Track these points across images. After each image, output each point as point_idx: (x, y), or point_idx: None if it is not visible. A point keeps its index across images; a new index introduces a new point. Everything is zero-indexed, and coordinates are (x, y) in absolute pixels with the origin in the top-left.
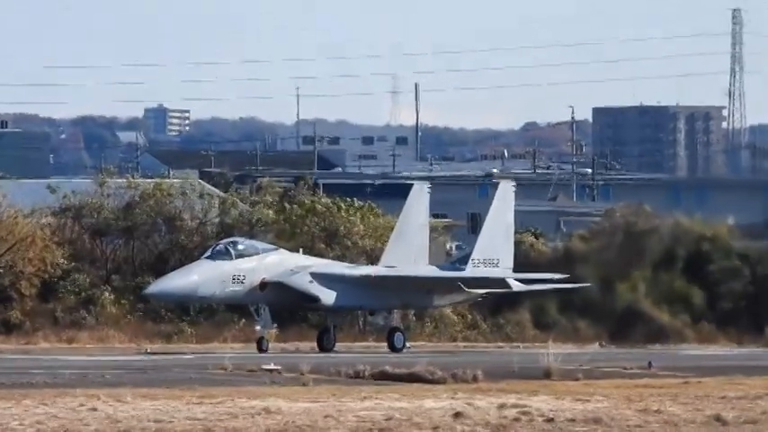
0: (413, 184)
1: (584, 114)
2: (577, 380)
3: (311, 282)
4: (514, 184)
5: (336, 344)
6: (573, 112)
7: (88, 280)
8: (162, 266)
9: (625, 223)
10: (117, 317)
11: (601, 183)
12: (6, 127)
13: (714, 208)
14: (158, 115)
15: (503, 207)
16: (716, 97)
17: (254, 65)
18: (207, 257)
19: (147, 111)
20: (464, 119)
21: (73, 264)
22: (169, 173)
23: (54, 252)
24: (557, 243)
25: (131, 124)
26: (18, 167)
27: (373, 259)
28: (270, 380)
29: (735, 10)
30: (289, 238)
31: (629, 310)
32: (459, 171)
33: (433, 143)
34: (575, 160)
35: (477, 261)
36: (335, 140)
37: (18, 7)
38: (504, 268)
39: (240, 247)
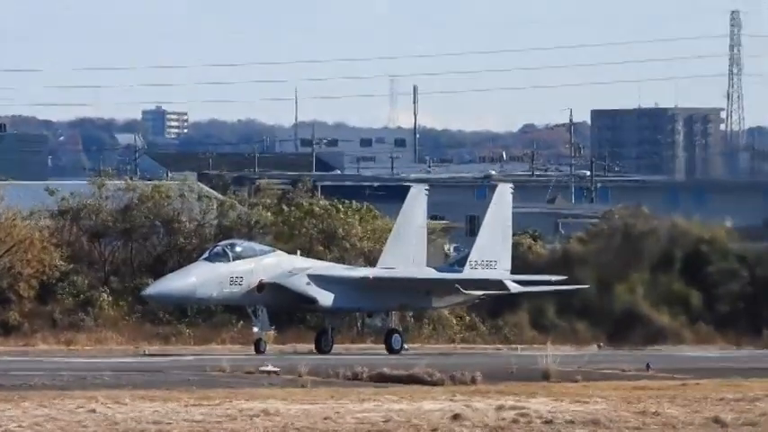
0: (411, 187)
1: (583, 116)
2: (576, 381)
3: (309, 283)
4: (512, 186)
5: (334, 345)
6: (571, 114)
7: (86, 282)
8: (160, 268)
9: (623, 225)
10: (115, 319)
11: (599, 185)
12: (4, 130)
13: (712, 210)
14: (157, 117)
15: (501, 209)
16: (714, 99)
17: (252, 67)
18: (205, 259)
19: (145, 113)
20: (462, 121)
21: (71, 266)
22: (167, 175)
23: (52, 254)
24: (555, 245)
25: (130, 126)
26: (16, 170)
27: (371, 261)
28: (268, 382)
29: (733, 12)
30: (287, 240)
31: (628, 311)
32: (457, 173)
33: (432, 145)
34: (573, 162)
35: (475, 263)
36: (334, 142)
37: (18, 8)
38: (502, 270)
39: (238, 248)
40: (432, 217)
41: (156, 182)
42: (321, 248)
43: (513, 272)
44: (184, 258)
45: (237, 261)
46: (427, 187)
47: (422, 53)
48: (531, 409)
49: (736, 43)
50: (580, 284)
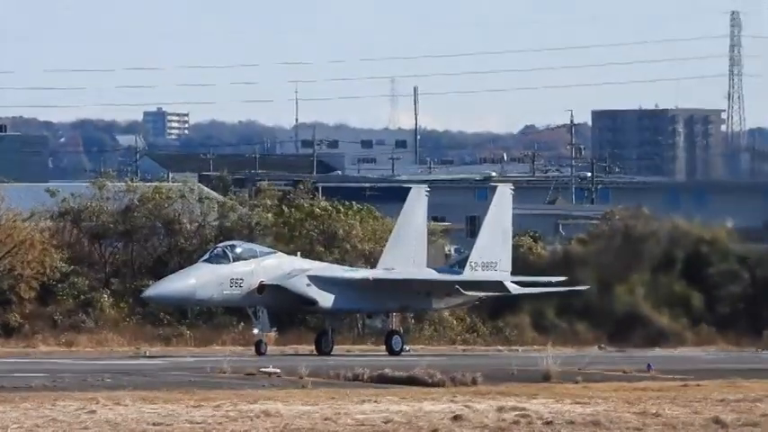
0: (411, 188)
1: (583, 117)
2: (576, 383)
3: (309, 285)
4: (513, 187)
5: (335, 347)
6: (572, 116)
7: (87, 283)
8: (161, 270)
9: (624, 226)
10: (116, 320)
11: (600, 186)
12: (5, 131)
13: (713, 211)
14: (157, 119)
15: (501, 210)
16: (715, 100)
17: (253, 68)
18: (205, 260)
19: (146, 114)
20: (463, 122)
21: (72, 267)
22: (168, 176)
23: (53, 255)
24: (555, 246)
25: (130, 128)
26: (17, 171)
27: (372, 262)
28: (269, 383)
29: (733, 12)
30: (288, 241)
31: (628, 312)
32: (457, 174)
33: (432, 146)
34: (573, 163)
35: (475, 264)
36: (334, 144)
37: (18, 8)
38: (502, 271)
39: (238, 250)
40: (432, 218)
41: (157, 183)
42: (321, 250)
43: (514, 273)
44: (185, 260)
45: (238, 262)
46: (428, 188)
47: (422, 54)
48: (532, 410)
49: (736, 44)
50: (581, 285)
